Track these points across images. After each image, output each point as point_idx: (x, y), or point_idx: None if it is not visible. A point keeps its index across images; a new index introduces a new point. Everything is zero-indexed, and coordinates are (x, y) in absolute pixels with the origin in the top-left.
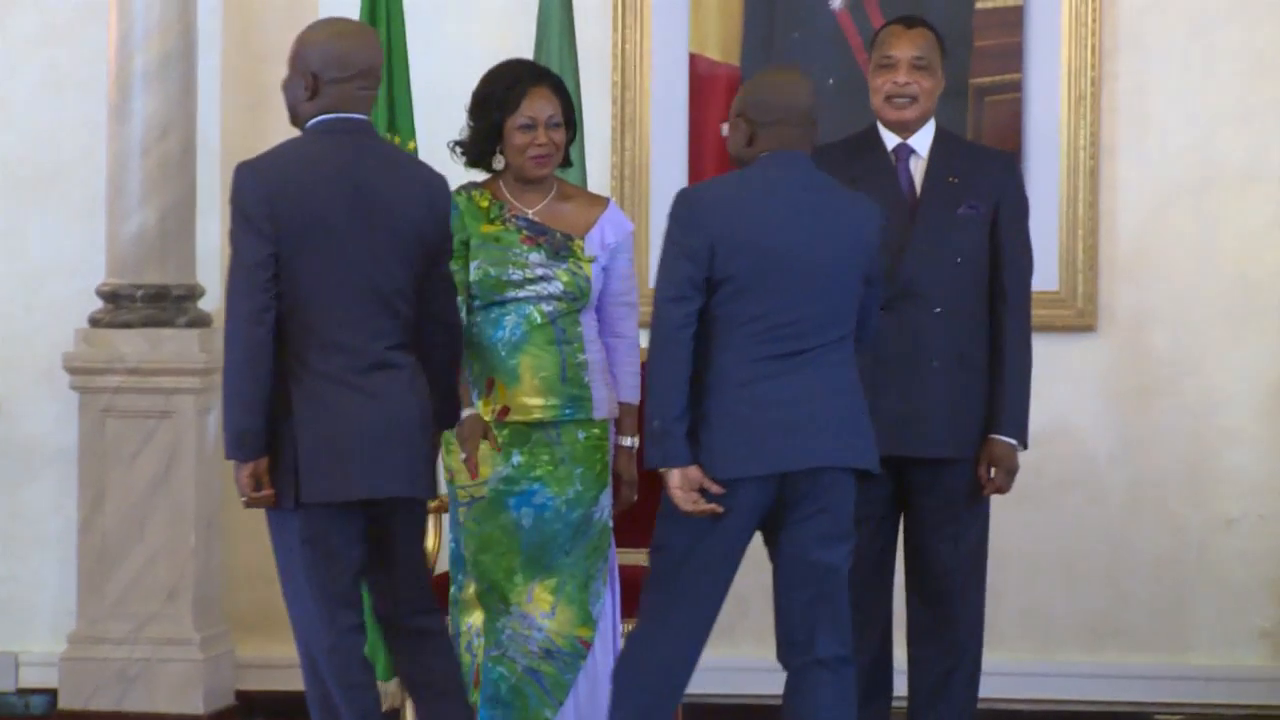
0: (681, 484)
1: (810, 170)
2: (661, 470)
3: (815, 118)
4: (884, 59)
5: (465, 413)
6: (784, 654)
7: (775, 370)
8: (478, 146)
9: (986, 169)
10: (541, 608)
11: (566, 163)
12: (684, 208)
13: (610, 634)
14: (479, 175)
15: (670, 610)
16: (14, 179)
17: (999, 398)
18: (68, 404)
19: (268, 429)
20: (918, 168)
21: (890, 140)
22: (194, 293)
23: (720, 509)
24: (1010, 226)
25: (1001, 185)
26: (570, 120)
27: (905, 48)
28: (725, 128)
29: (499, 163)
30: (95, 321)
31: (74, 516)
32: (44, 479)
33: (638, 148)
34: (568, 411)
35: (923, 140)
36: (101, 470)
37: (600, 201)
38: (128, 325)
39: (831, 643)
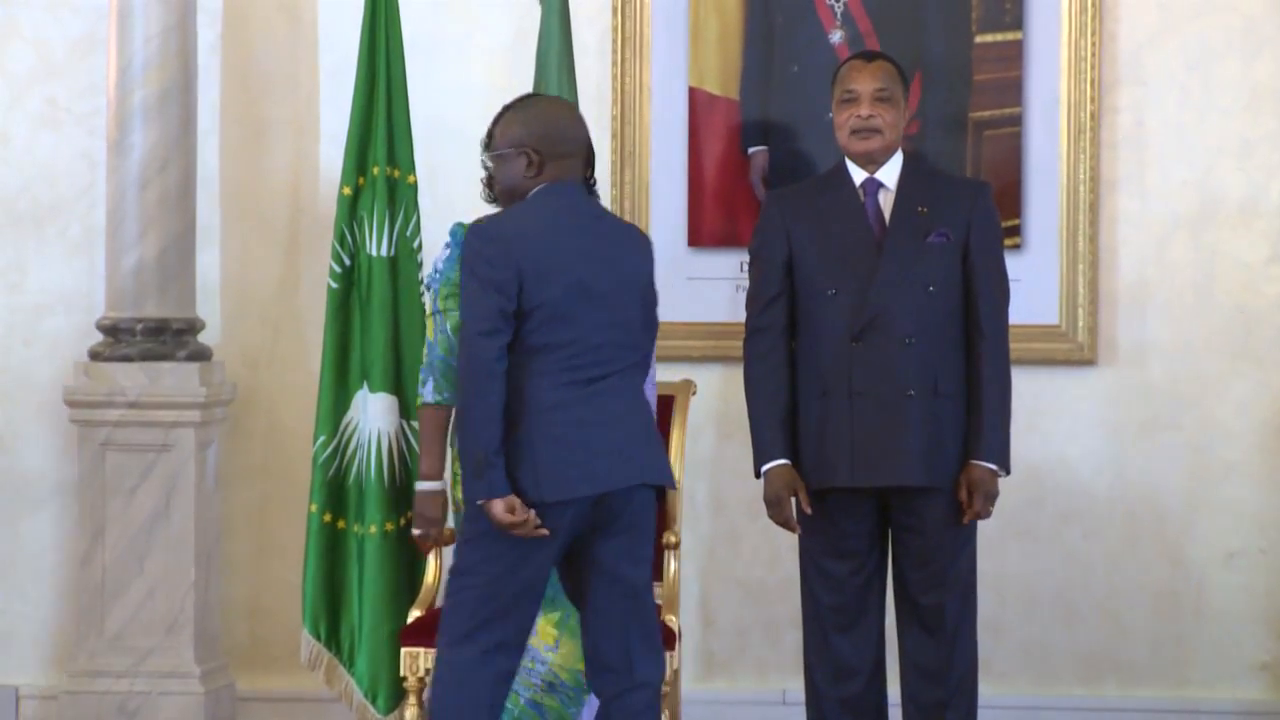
0: (507, 512)
1: (588, 199)
2: (482, 502)
3: (593, 151)
4: (846, 93)
5: (424, 486)
6: (601, 683)
7: (582, 395)
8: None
9: (957, 197)
10: (545, 641)
11: None
12: (488, 243)
13: None
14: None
15: (483, 632)
16: (13, 213)
17: (977, 424)
18: (67, 437)
19: None
20: (886, 200)
21: (858, 175)
22: (194, 326)
23: (547, 531)
24: (981, 253)
25: (971, 211)
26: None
27: (866, 81)
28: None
29: None
30: (95, 355)
31: (74, 550)
32: (44, 512)
33: (638, 181)
34: None
35: (890, 173)
36: (101, 503)
37: None
38: (127, 359)
39: (647, 664)
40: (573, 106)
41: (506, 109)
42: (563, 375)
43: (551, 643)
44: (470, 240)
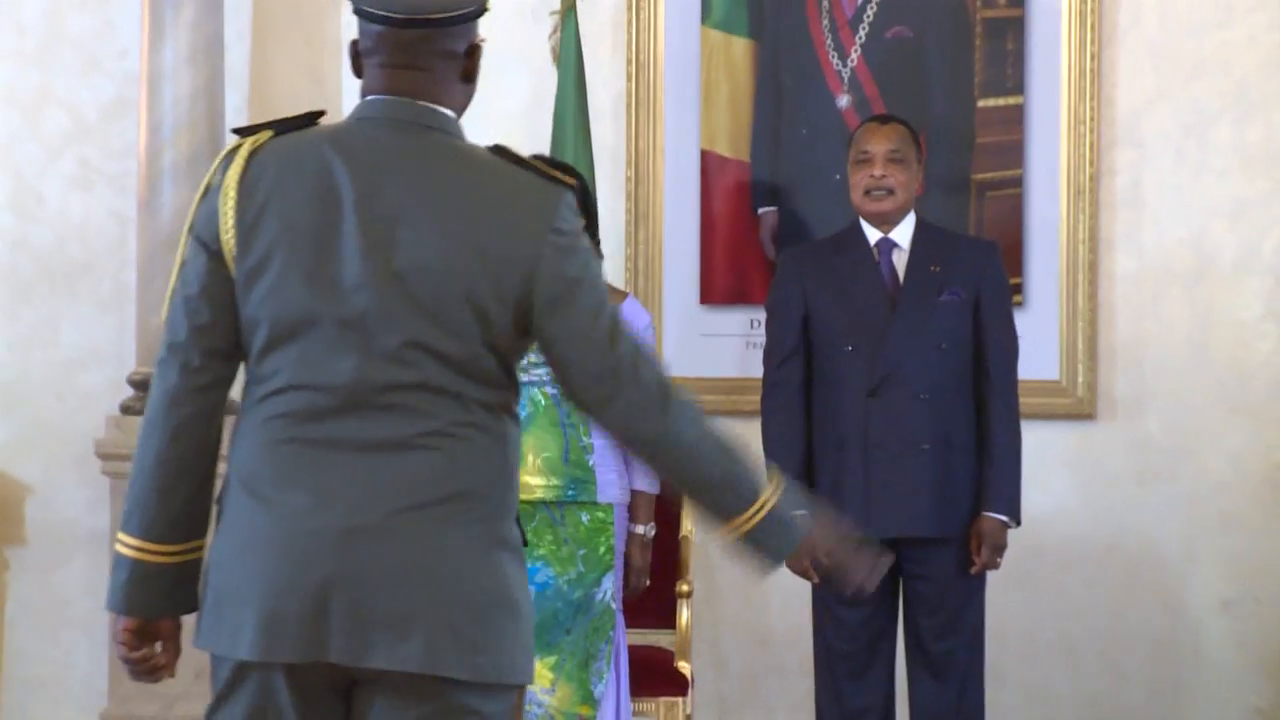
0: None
1: None
2: None
3: None
4: (860, 154)
5: None
6: None
7: None
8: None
9: (967, 256)
10: (542, 684)
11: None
12: None
13: (612, 714)
14: None
15: None
16: (46, 271)
17: (988, 476)
18: (99, 489)
19: None
20: (900, 260)
21: (872, 235)
22: None
23: None
24: (992, 309)
25: (982, 270)
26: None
27: (880, 142)
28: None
29: None
30: (126, 409)
31: (105, 598)
32: (76, 561)
33: (651, 241)
34: (570, 493)
35: (904, 233)
36: None
37: (617, 295)
38: None
39: None
40: None
41: None
42: None
43: (549, 685)
44: None
